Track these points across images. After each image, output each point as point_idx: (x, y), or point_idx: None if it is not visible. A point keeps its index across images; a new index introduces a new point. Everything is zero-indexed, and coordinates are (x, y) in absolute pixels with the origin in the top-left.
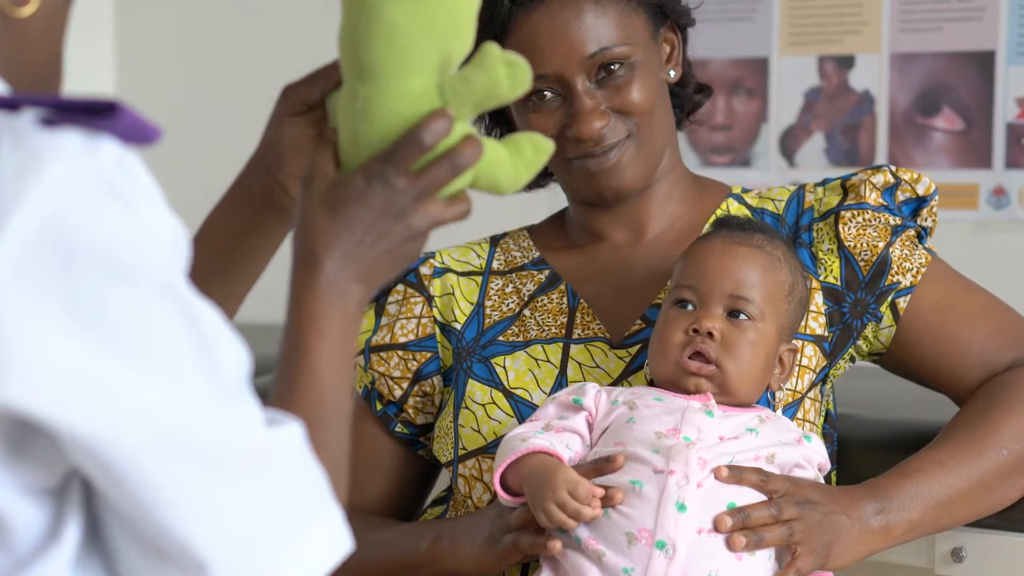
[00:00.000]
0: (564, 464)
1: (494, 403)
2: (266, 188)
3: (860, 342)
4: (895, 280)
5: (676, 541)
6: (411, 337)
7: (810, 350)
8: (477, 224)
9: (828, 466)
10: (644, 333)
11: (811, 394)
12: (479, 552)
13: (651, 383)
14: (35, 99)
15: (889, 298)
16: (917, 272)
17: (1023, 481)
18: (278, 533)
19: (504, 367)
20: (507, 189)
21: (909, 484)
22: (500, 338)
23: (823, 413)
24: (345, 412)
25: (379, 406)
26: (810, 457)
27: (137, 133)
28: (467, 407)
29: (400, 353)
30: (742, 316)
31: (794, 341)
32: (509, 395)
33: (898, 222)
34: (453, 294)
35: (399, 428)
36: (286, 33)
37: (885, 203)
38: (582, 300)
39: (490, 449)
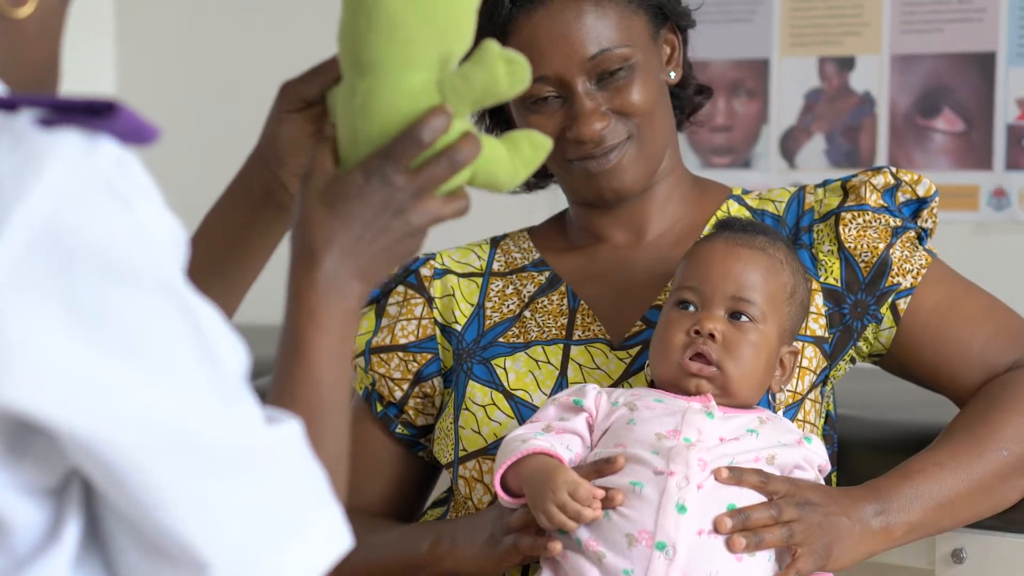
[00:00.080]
0: (564, 465)
1: (494, 404)
2: (265, 185)
3: (860, 343)
4: (895, 281)
5: (676, 542)
6: (411, 338)
7: (810, 351)
8: (477, 225)
9: (828, 467)
10: (644, 334)
11: (811, 395)
12: (479, 553)
13: (651, 384)
14: (33, 99)
15: (889, 299)
16: (917, 273)
17: (1023, 482)
18: (278, 531)
19: (504, 368)
20: (505, 186)
21: (909, 485)
22: (500, 339)
23: (823, 414)
24: (344, 409)
25: (379, 407)
26: (810, 458)
27: (135, 133)
28: (467, 408)
29: (400, 354)
30: (744, 318)
31: (794, 343)
32: (509, 396)
33: (898, 223)
34: (453, 295)
35: (399, 429)
36: (286, 33)
37: (885, 204)
38: (582, 301)
39: (490, 450)
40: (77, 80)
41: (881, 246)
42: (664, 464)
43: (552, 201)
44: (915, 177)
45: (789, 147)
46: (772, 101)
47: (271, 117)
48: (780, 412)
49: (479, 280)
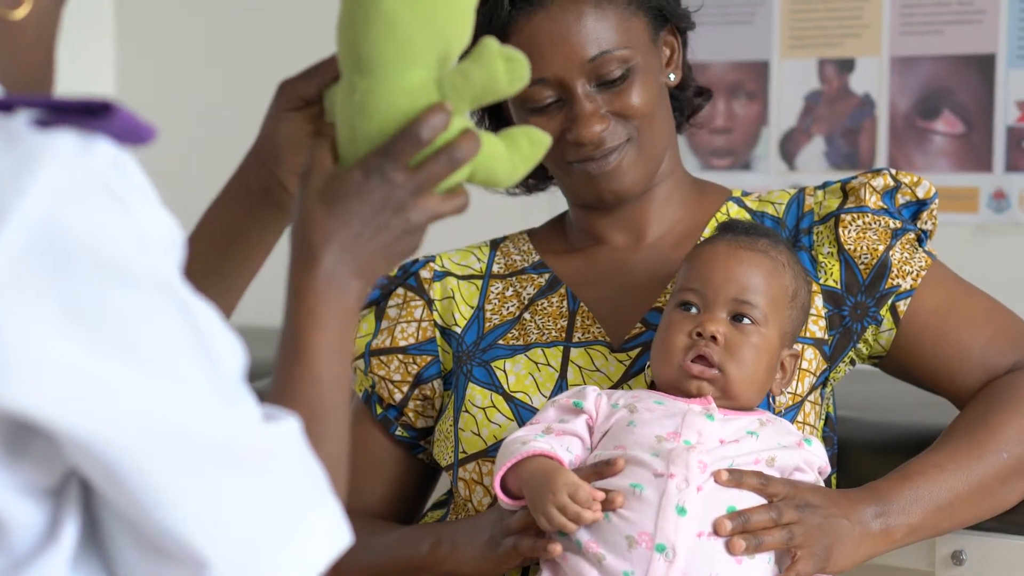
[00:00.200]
0: (564, 467)
1: (494, 407)
2: (263, 183)
3: (860, 345)
4: (895, 283)
5: (676, 544)
6: (411, 341)
7: (810, 353)
8: (477, 227)
9: (828, 469)
10: (644, 336)
11: (811, 397)
12: (479, 555)
13: (651, 386)
14: (29, 100)
15: (889, 301)
16: (917, 275)
17: (1023, 484)
18: (277, 529)
19: (504, 371)
20: (504, 183)
21: (909, 487)
22: (500, 342)
23: (823, 416)
24: (344, 407)
25: (379, 410)
26: (810, 460)
27: (132, 133)
28: (467, 411)
29: (400, 357)
30: (746, 320)
31: (795, 346)
32: (509, 399)
33: (898, 225)
34: (453, 298)
35: (399, 432)
36: (286, 33)
37: (885, 206)
38: (582, 303)
39: (490, 453)
40: (77, 80)
41: (881, 248)
42: (664, 466)
43: (552, 203)
44: (915, 179)
45: (789, 149)
46: (772, 103)
47: (269, 115)
48: (780, 414)
49: (479, 282)
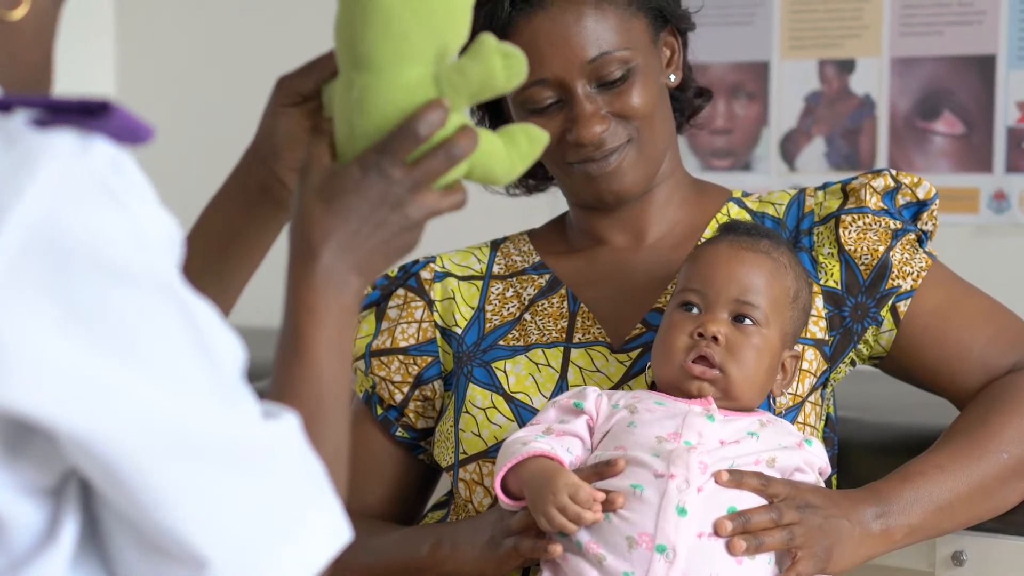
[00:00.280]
0: (565, 468)
1: (495, 407)
2: (262, 180)
3: (860, 346)
4: (895, 284)
5: (676, 545)
6: (412, 341)
7: (811, 354)
8: (478, 228)
9: (829, 470)
10: (645, 337)
11: (812, 398)
12: (480, 556)
13: (652, 387)
14: (27, 100)
15: (889, 302)
16: (917, 276)
17: (1023, 485)
18: (277, 527)
19: (505, 371)
20: (502, 180)
21: (909, 488)
22: (501, 342)
23: (824, 417)
24: (344, 404)
25: (380, 410)
26: (811, 461)
27: (130, 133)
28: (468, 411)
29: (401, 357)
30: (747, 321)
31: (796, 347)
32: (510, 399)
33: (898, 226)
34: (454, 298)
35: (400, 432)
36: (286, 33)
37: (885, 207)
38: (582, 304)
39: (491, 453)
40: (77, 80)
41: (881, 249)
42: (664, 467)
43: (552, 204)
44: (915, 180)
45: (789, 150)
46: (772, 104)
47: (267, 111)
48: (780, 415)
49: (479, 283)
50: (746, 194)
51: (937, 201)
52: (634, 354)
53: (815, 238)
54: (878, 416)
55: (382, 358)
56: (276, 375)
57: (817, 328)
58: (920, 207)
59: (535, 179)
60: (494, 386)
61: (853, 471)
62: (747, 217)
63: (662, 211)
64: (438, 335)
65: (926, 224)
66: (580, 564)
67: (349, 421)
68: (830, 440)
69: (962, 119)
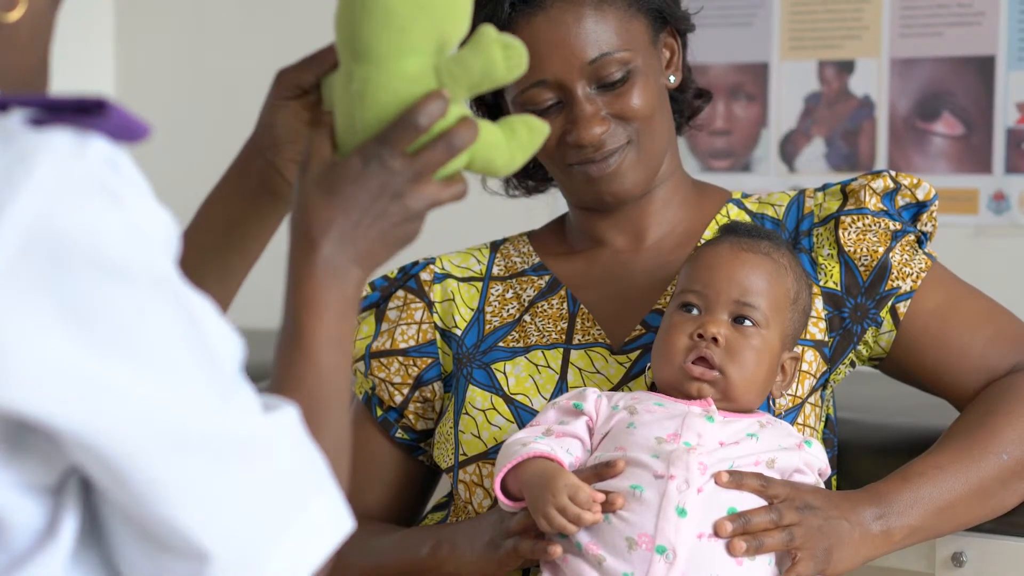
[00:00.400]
0: (565, 469)
1: (494, 409)
2: (261, 172)
3: (860, 347)
4: (895, 285)
5: (676, 546)
6: (411, 343)
7: (810, 355)
8: (477, 229)
9: (828, 471)
10: (644, 339)
11: (811, 399)
12: (480, 557)
13: (652, 388)
14: (24, 99)
15: (889, 303)
16: (917, 277)
17: (1023, 486)
18: (278, 519)
19: (504, 373)
20: (503, 171)
21: (909, 489)
22: (500, 344)
23: (823, 418)
24: (344, 395)
25: (380, 412)
26: (810, 462)
27: (126, 130)
28: (467, 413)
29: (400, 359)
30: (747, 322)
31: (795, 348)
32: (509, 401)
33: (898, 227)
34: (453, 300)
35: (399, 434)
36: (286, 33)
37: (885, 208)
38: (582, 305)
39: (490, 455)
40: (77, 80)
41: (881, 250)
42: (664, 468)
43: (552, 205)
44: (914, 181)
45: (789, 151)
46: (771, 105)
47: (267, 104)
48: (780, 416)
49: (479, 284)
50: (746, 195)
51: (937, 202)
52: (634, 355)
53: (815, 239)
54: (878, 417)
55: (382, 359)
56: (276, 367)
57: (817, 329)
58: (920, 208)
59: (535, 180)
60: (494, 387)
61: (853, 472)
62: (747, 218)
63: (662, 212)
64: (438, 336)
65: (926, 225)
66: (580, 565)
67: (350, 412)
68: (830, 441)
69: (962, 120)
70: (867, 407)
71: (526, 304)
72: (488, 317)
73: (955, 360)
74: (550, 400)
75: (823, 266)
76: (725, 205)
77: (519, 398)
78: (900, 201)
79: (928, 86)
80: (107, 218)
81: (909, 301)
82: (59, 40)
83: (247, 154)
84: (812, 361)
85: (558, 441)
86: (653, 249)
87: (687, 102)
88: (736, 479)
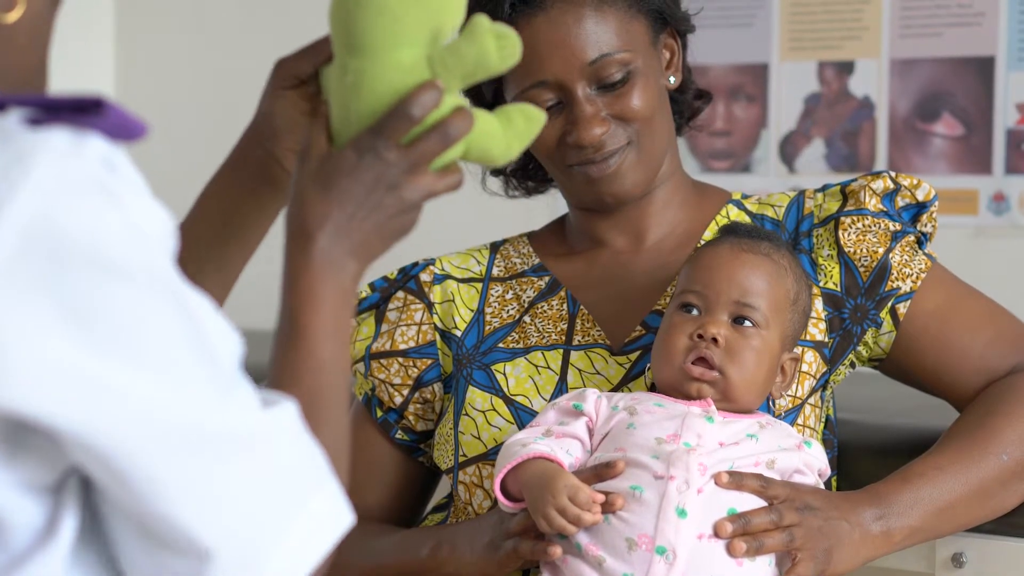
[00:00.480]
0: (564, 470)
1: (494, 410)
2: (260, 161)
3: (860, 348)
4: (895, 286)
5: (676, 547)
6: (411, 344)
7: (810, 356)
8: (477, 230)
9: (828, 472)
10: (644, 339)
11: (811, 400)
12: (480, 558)
13: (652, 389)
14: (21, 99)
15: (889, 304)
16: (917, 278)
17: (1023, 487)
18: (278, 515)
19: (504, 374)
20: (499, 160)
21: (909, 490)
22: (500, 345)
23: (823, 419)
24: (343, 389)
25: (379, 413)
26: (810, 463)
27: (124, 129)
28: (467, 414)
29: (400, 360)
30: (747, 323)
31: (795, 349)
32: (509, 402)
33: (898, 228)
34: (453, 301)
35: (399, 435)
36: (286, 33)
37: (885, 209)
38: (582, 306)
39: (490, 456)
40: (77, 80)
41: (881, 250)
42: (664, 468)
43: (552, 206)
44: (914, 181)
45: (788, 151)
46: (771, 105)
47: (265, 93)
48: (780, 417)
49: (479, 285)
50: (745, 196)
51: (936, 203)
52: (634, 356)
53: (814, 240)
54: (878, 418)
55: (382, 360)
56: (274, 361)
57: (817, 330)
58: (919, 209)
59: (535, 181)
60: (494, 388)
61: (853, 473)
62: (746, 219)
63: (662, 213)
64: (438, 337)
65: (925, 226)
66: (580, 566)
67: (349, 406)
68: (830, 442)
69: (961, 121)
70: (867, 408)
71: (526, 305)
72: (488, 318)
73: (955, 361)
74: (550, 401)
75: (823, 267)
76: (725, 206)
77: (519, 399)
78: (900, 202)
79: (928, 87)
80: (106, 217)
81: (909, 302)
82: (59, 40)
83: (246, 143)
84: (812, 362)
85: (558, 442)
86: (653, 250)
87: (687, 103)
88: (736, 480)
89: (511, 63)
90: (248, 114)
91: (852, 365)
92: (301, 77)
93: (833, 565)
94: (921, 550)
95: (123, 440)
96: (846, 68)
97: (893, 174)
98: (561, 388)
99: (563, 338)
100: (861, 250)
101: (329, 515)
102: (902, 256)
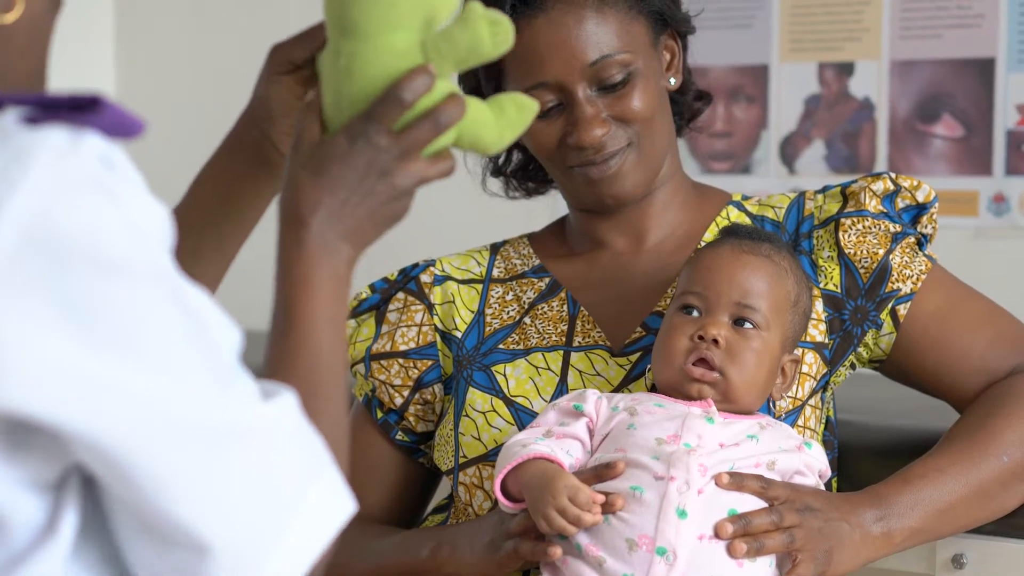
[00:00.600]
0: (565, 470)
1: (494, 411)
2: (256, 143)
3: (860, 349)
4: (895, 287)
5: (677, 547)
6: (412, 345)
7: (811, 357)
8: (477, 231)
9: (828, 473)
10: (644, 341)
11: (812, 401)
12: (480, 558)
13: (652, 390)
14: (18, 97)
15: (889, 305)
16: (917, 279)
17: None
18: (279, 506)
19: (504, 375)
20: (491, 148)
21: (910, 491)
22: (500, 346)
23: (824, 420)
24: (340, 375)
25: (380, 414)
26: (810, 464)
27: (121, 127)
28: (467, 415)
29: (401, 361)
30: (747, 324)
31: (795, 350)
32: (509, 403)
33: (898, 229)
34: (454, 302)
35: (400, 436)
36: (286, 33)
37: (885, 210)
38: (582, 308)
39: (491, 457)
40: (77, 81)
41: (881, 252)
42: (664, 469)
43: (553, 207)
44: (915, 183)
45: (789, 153)
46: (772, 107)
47: (261, 78)
48: (780, 418)
49: (479, 287)
50: (746, 197)
51: (937, 204)
52: (634, 358)
53: (815, 241)
54: (878, 419)
55: (382, 362)
56: (271, 350)
57: (817, 331)
58: (920, 210)
59: (535, 182)
60: (494, 390)
61: (853, 474)
62: (747, 220)
63: (662, 214)
64: (438, 339)
65: (926, 227)
66: (580, 566)
67: (346, 392)
68: (830, 443)
69: (962, 122)
70: (867, 409)
71: (526, 306)
72: (488, 319)
73: (955, 362)
74: (550, 402)
75: (823, 268)
76: (725, 207)
77: (519, 400)
78: (900, 203)
79: (928, 88)
80: (104, 215)
81: (909, 303)
82: (59, 40)
83: (242, 126)
84: (812, 363)
85: (558, 442)
86: (653, 251)
87: (687, 104)
88: (737, 481)
89: (504, 49)
90: None
91: (852, 366)
92: (296, 62)
93: (833, 566)
94: (921, 551)
95: (124, 438)
96: (846, 69)
97: (893, 175)
98: (561, 389)
99: (563, 339)
100: (861, 251)
101: (330, 504)
102: (902, 257)
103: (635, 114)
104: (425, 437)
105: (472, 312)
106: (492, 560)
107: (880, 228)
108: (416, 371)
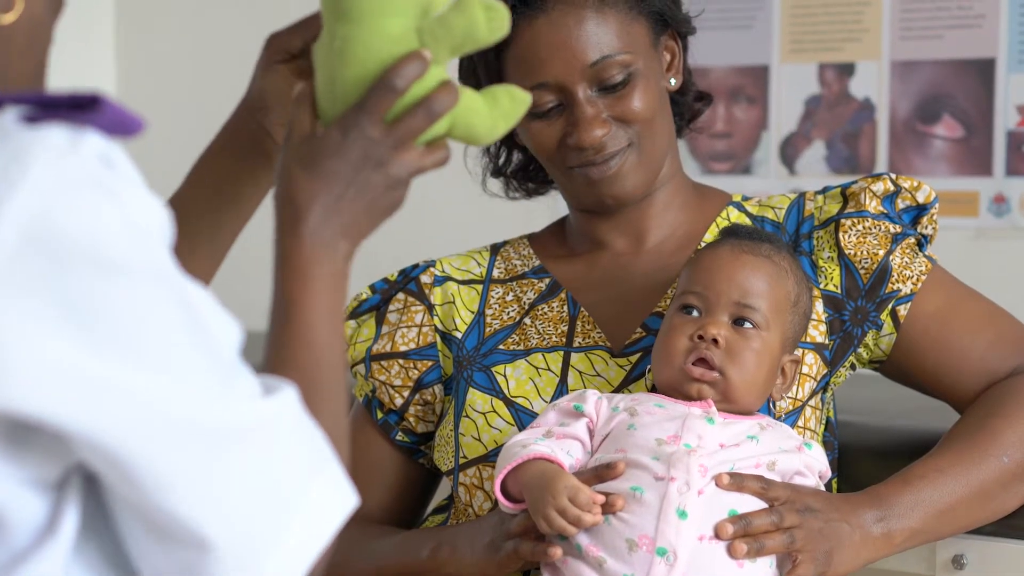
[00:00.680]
0: (565, 470)
1: (495, 412)
2: (252, 133)
3: (861, 350)
4: (895, 288)
5: (677, 548)
6: (412, 346)
7: (811, 358)
8: (478, 232)
9: (829, 473)
10: (645, 341)
11: (812, 402)
12: (480, 559)
13: (652, 390)
14: (17, 96)
15: (889, 306)
16: (917, 280)
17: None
18: (280, 502)
19: (505, 376)
20: (484, 139)
21: (910, 491)
22: (501, 347)
23: (824, 421)
24: (340, 369)
25: (380, 414)
26: (811, 464)
27: (121, 125)
28: (468, 416)
29: (401, 362)
30: (747, 324)
31: (795, 351)
32: (510, 404)
33: (898, 230)
34: (454, 303)
35: (400, 436)
36: None
37: (885, 211)
38: (582, 308)
39: (491, 457)
40: (78, 81)
41: (881, 252)
42: (665, 469)
43: (553, 208)
44: (915, 183)
45: (789, 153)
46: (772, 107)
47: (257, 67)
48: (780, 418)
49: (479, 287)
50: (746, 198)
51: (937, 205)
52: (634, 358)
53: (815, 242)
54: (878, 420)
55: (382, 362)
56: (270, 345)
57: (817, 332)
58: (920, 211)
59: (535, 183)
60: (494, 390)
61: (853, 475)
62: (747, 221)
63: (662, 215)
64: (438, 339)
65: (926, 228)
66: (580, 567)
67: (345, 386)
68: (830, 444)
69: (962, 123)
70: (867, 410)
71: (526, 307)
72: (488, 320)
73: (955, 363)
74: (550, 403)
75: (823, 269)
76: (725, 208)
77: (519, 401)
78: (900, 204)
79: (928, 89)
80: (104, 214)
81: (909, 304)
82: (59, 40)
83: (238, 116)
84: (812, 364)
85: (558, 443)
86: (653, 252)
87: (688, 105)
88: (737, 481)
89: (500, 35)
90: None
91: (852, 367)
92: (292, 52)
93: (834, 567)
94: (922, 552)
95: (126, 437)
96: (847, 70)
97: (893, 176)
98: (561, 390)
99: (563, 340)
100: (861, 252)
101: (332, 498)
102: (902, 258)
103: (635, 115)
104: (425, 438)
105: (472, 313)
106: (492, 561)
107: (880, 229)
108: (416, 372)
